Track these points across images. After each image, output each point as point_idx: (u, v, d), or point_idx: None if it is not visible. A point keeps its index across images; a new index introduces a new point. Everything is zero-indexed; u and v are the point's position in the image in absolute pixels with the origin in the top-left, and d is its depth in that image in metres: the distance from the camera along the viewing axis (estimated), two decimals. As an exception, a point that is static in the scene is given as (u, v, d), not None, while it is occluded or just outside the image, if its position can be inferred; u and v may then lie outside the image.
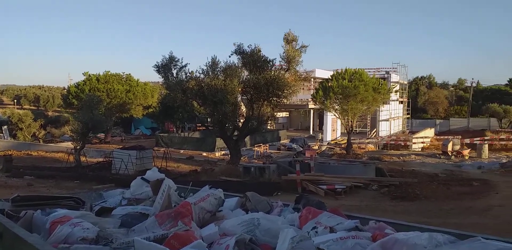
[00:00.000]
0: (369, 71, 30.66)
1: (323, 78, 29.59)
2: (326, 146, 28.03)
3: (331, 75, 25.86)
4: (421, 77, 64.92)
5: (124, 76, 31.73)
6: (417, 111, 52.13)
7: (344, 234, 2.42)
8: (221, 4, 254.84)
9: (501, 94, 54.38)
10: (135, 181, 4.25)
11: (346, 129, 25.65)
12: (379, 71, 36.34)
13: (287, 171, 13.30)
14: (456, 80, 70.86)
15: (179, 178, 13.38)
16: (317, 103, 25.70)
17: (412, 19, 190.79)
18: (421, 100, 53.81)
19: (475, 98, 53.03)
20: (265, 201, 3.52)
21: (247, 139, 25.17)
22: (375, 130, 34.91)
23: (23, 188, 12.37)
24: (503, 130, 41.55)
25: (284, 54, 15.95)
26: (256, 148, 24.35)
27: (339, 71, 25.32)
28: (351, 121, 24.96)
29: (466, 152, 25.17)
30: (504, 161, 22.28)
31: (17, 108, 47.12)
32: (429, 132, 38.21)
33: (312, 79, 33.52)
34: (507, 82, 64.38)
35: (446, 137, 30.81)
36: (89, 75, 30.73)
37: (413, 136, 32.78)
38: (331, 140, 31.64)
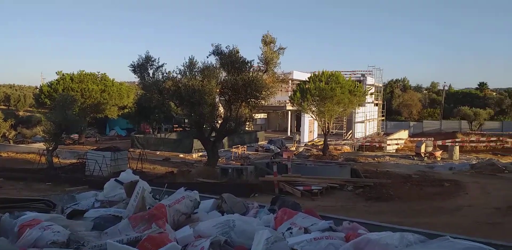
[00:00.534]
0: (345, 74, 31.14)
1: (300, 80, 29.87)
2: (303, 147, 28.26)
3: (308, 78, 26.11)
4: (396, 80, 66.53)
5: (99, 75, 31.07)
6: (392, 113, 53.30)
7: (318, 235, 2.46)
8: (198, 5, 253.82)
9: (472, 98, 56.24)
10: (109, 183, 4.18)
11: (323, 131, 25.94)
12: (355, 74, 36.99)
13: (264, 172, 13.34)
14: (429, 84, 73.07)
15: (155, 180, 13.21)
16: (295, 105, 25.90)
17: (387, 23, 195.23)
18: (395, 103, 55.05)
19: (447, 101, 54.64)
20: (241, 203, 3.53)
21: (225, 140, 25.09)
22: (351, 131, 35.47)
23: (-9, 190, 11.94)
24: (473, 132, 42.99)
25: (262, 55, 15.99)
26: (234, 149, 24.31)
27: (316, 73, 25.60)
28: (328, 123, 25.27)
29: (438, 153, 25.87)
30: (474, 162, 23.03)
31: (-14, 107, 45.48)
32: (403, 134, 39.11)
33: (290, 81, 33.78)
34: (477, 86, 66.71)
35: (419, 139, 31.59)
36: (63, 75, 29.95)
37: (388, 138, 33.49)
38: (308, 141, 31.94)
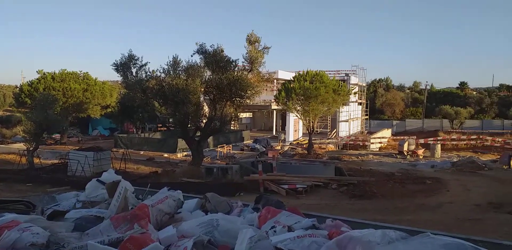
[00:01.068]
0: (330, 73, 31.41)
1: (285, 80, 29.96)
2: (288, 146, 28.38)
3: (293, 77, 26.21)
4: (379, 79, 67.35)
5: (82, 74, 30.54)
6: (375, 112, 53.96)
7: (301, 233, 2.47)
8: (183, 5, 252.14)
9: (453, 97, 57.37)
10: (90, 183, 4.12)
11: (307, 130, 26.09)
12: (339, 74, 37.31)
13: (249, 171, 13.33)
14: (412, 83, 74.23)
15: (139, 180, 13.06)
16: (280, 104, 25.97)
17: (370, 23, 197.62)
18: (378, 102, 55.75)
19: (429, 100, 55.60)
20: (225, 202, 3.51)
21: (210, 140, 24.99)
22: (335, 130, 35.77)
23: (-31, 192, 11.63)
24: (454, 130, 43.87)
25: (247, 55, 15.99)
26: (219, 149, 24.24)
27: (301, 73, 25.72)
28: (312, 122, 25.42)
29: (420, 151, 26.31)
30: (455, 160, 23.50)
31: (-37, 107, 44.23)
32: (386, 133, 39.66)
33: (275, 80, 33.86)
34: (458, 86, 68.10)
35: (402, 137, 32.07)
36: (44, 73, 29.34)
37: (371, 136, 33.91)
38: (293, 140, 32.08)
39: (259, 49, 16.07)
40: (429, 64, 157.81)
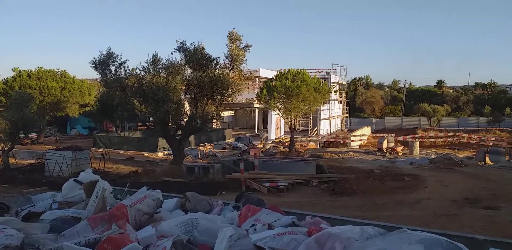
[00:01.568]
0: (311, 72, 31.60)
1: (267, 78, 29.99)
2: (270, 144, 28.46)
3: (275, 75, 26.28)
4: (359, 78, 68.30)
5: (59, 72, 29.83)
6: (355, 110, 54.67)
7: (281, 230, 2.47)
8: (162, 1, 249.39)
9: (431, 95, 58.61)
10: (67, 183, 4.04)
11: (289, 128, 26.23)
12: (320, 72, 37.61)
13: (231, 170, 13.31)
14: (391, 81, 75.48)
15: (118, 179, 12.88)
16: (262, 102, 26.01)
17: (351, 23, 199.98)
18: (358, 100, 56.50)
19: (407, 99, 56.65)
20: (205, 201, 3.49)
21: (191, 138, 24.82)
22: (316, 128, 36.07)
23: None
24: (432, 128, 44.88)
25: (228, 53, 15.92)
26: (200, 147, 24.11)
27: (283, 71, 25.82)
28: (294, 120, 25.57)
29: (399, 148, 26.82)
30: (432, 157, 24.05)
31: None
32: (366, 130, 40.23)
33: (257, 78, 33.85)
34: (436, 84, 69.60)
35: (381, 135, 32.61)
36: (20, 71, 28.53)
37: (351, 134, 34.36)
38: (275, 138, 32.19)
39: (240, 47, 16.02)
40: (407, 63, 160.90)
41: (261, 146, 27.31)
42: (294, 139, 26.35)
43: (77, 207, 3.48)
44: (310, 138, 32.06)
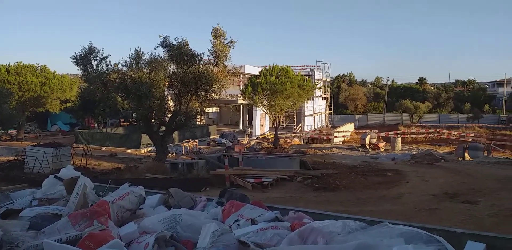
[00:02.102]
0: (295, 69, 31.75)
1: (251, 74, 29.98)
2: (255, 141, 28.50)
3: (259, 72, 26.29)
4: (343, 75, 68.81)
5: (39, 67, 29.16)
6: (339, 107, 55.17)
7: (264, 225, 2.49)
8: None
9: (412, 92, 59.55)
10: (48, 179, 3.96)
11: (273, 124, 26.31)
12: (304, 69, 37.78)
13: (216, 166, 13.28)
14: (374, 78, 76.35)
15: (100, 176, 12.71)
16: (246, 98, 25.99)
17: (334, 21, 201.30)
18: (342, 97, 57.00)
19: (390, 95, 57.44)
20: (188, 197, 3.48)
21: (175, 135, 24.64)
22: (300, 124, 36.27)
23: None
24: (413, 124, 45.67)
25: (213, 48, 15.81)
26: (185, 144, 23.97)
27: (267, 67, 25.83)
28: (278, 117, 25.65)
29: (381, 144, 27.20)
30: (414, 152, 24.48)
31: None
32: (349, 126, 40.68)
33: (241, 75, 33.79)
34: (417, 81, 70.72)
35: (364, 131, 33.02)
36: (-3, 66, 27.84)
37: (335, 130, 34.67)
38: (260, 135, 32.25)
39: (224, 43, 15.94)
40: (390, 60, 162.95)
41: (245, 142, 27.32)
42: (279, 135, 26.45)
43: (58, 204, 3.42)
44: (294, 134, 32.23)
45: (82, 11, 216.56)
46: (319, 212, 3.00)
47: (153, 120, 16.43)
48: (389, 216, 7.29)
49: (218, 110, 43.24)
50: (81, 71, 15.46)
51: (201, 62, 15.81)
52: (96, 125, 31.30)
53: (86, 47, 15.04)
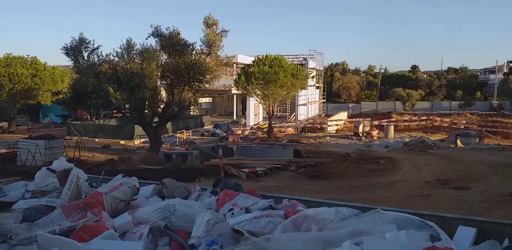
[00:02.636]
0: (288, 58, 31.58)
1: (245, 64, 29.80)
2: (249, 131, 28.50)
3: (252, 61, 26.14)
4: (336, 64, 68.63)
5: (29, 59, 28.75)
6: (332, 95, 55.21)
7: (258, 214, 2.49)
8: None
9: (405, 80, 59.68)
10: (40, 171, 3.94)
11: (267, 114, 26.30)
12: (297, 58, 37.63)
13: (210, 156, 13.29)
14: (367, 67, 76.29)
15: (94, 168, 12.68)
16: (240, 88, 25.90)
17: (328, 10, 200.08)
18: (335, 86, 56.99)
19: (383, 84, 57.53)
20: (182, 187, 3.47)
21: (169, 125, 24.57)
22: (294, 114, 36.30)
23: None
24: (406, 112, 45.91)
25: (205, 38, 15.67)
26: (178, 135, 23.92)
27: (260, 57, 25.68)
28: (272, 106, 25.63)
29: (374, 132, 27.35)
30: (407, 140, 24.67)
31: None
32: (343, 115, 40.79)
33: (234, 64, 33.60)
34: (410, 69, 70.83)
35: (357, 119, 33.15)
36: (-14, 58, 27.39)
37: (328, 119, 34.76)
38: (254, 125, 32.25)
39: (217, 32, 15.79)
40: (383, 48, 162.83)
41: (239, 132, 27.32)
42: (273, 125, 26.47)
43: (51, 195, 3.40)
44: (288, 124, 32.27)
45: (72, 1, 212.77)
46: (313, 200, 3.02)
47: (146, 111, 16.36)
48: (382, 202, 7.38)
49: (211, 101, 43.11)
50: (72, 62, 15.28)
51: (194, 52, 15.68)
52: (88, 116, 31.08)
53: (77, 38, 14.85)
